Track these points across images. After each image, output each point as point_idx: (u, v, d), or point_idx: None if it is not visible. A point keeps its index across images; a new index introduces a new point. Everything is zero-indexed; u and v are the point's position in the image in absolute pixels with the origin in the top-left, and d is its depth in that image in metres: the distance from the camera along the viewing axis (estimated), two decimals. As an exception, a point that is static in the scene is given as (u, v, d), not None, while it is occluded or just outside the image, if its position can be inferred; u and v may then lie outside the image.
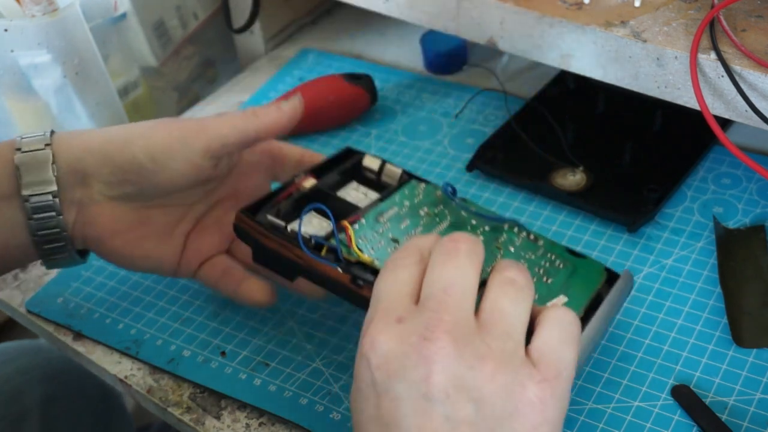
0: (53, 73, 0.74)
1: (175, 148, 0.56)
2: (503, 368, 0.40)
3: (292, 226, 0.54)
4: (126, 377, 0.61)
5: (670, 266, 0.63)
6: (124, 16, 0.80)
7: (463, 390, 0.39)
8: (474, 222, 0.57)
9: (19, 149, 0.55)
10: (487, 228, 0.57)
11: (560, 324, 0.43)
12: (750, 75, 0.56)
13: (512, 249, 0.55)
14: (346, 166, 0.62)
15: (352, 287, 0.51)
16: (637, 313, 0.60)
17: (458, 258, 0.43)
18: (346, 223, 0.54)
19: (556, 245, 0.57)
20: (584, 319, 0.51)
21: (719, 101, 0.58)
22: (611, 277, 0.55)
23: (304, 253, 0.52)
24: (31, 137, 0.56)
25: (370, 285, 0.49)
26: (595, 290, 0.54)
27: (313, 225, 0.55)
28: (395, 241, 0.54)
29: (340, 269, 0.51)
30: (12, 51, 0.72)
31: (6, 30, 0.71)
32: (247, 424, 0.57)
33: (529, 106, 0.75)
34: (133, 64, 0.83)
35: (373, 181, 0.62)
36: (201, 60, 0.90)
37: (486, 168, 0.71)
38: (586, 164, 0.70)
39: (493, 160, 0.72)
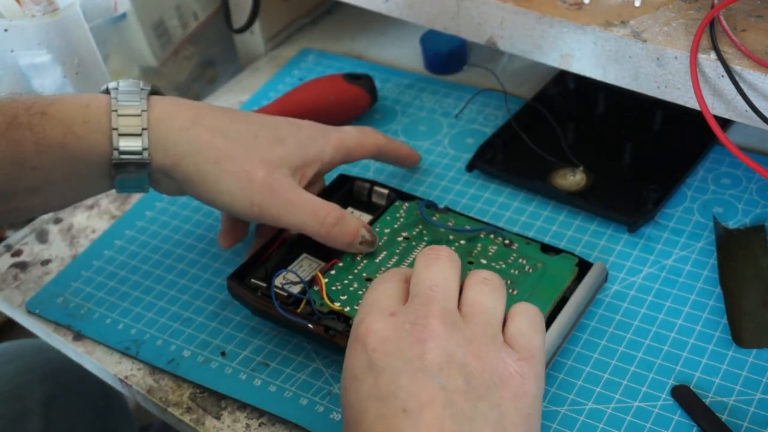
0: (53, 73, 0.74)
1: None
2: (487, 348, 0.45)
3: (278, 281, 0.60)
4: (126, 377, 0.61)
5: (670, 266, 0.63)
6: (124, 16, 0.80)
7: (455, 365, 0.43)
8: (451, 237, 0.63)
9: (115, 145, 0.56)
10: (462, 242, 0.62)
11: (528, 315, 0.48)
12: (750, 75, 0.56)
13: (484, 261, 0.61)
14: (342, 192, 0.68)
15: (326, 336, 0.57)
16: (637, 314, 0.60)
17: (440, 262, 0.48)
18: (318, 274, 0.59)
19: (531, 245, 0.62)
20: (552, 316, 0.57)
21: (719, 101, 0.58)
22: (585, 268, 0.60)
23: (284, 311, 0.58)
24: (127, 102, 0.57)
25: (342, 335, 0.56)
26: (563, 288, 0.59)
27: (303, 268, 0.62)
28: (368, 280, 0.60)
29: (311, 326, 0.57)
30: (12, 51, 0.72)
31: (6, 30, 0.71)
32: (247, 424, 0.57)
33: (529, 106, 0.75)
34: (133, 64, 0.83)
35: (366, 203, 0.68)
36: (201, 60, 0.90)
37: (486, 168, 0.71)
38: (586, 164, 0.70)
39: (493, 160, 0.72)
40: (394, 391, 0.43)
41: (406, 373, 0.43)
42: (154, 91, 0.60)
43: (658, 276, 0.62)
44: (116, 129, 0.56)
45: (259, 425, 0.57)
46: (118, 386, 0.63)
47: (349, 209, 0.67)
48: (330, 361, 0.59)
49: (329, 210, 0.58)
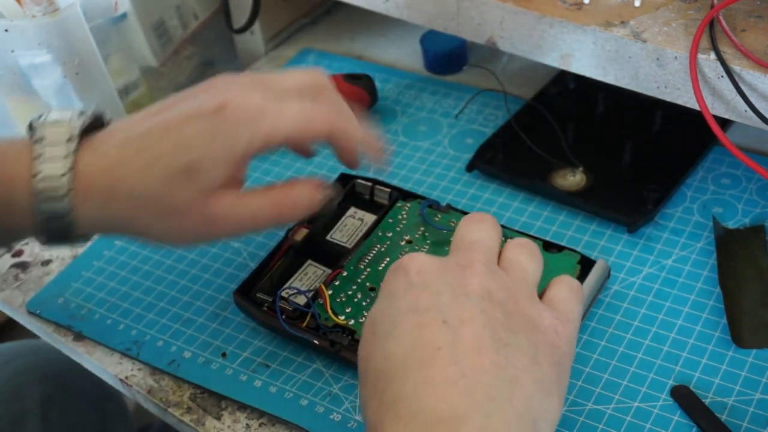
0: (53, 73, 0.75)
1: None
2: (524, 298, 0.46)
3: (284, 292, 0.60)
4: (126, 378, 0.61)
5: (669, 266, 0.63)
6: (124, 16, 0.80)
7: (495, 301, 0.44)
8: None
9: (36, 176, 0.51)
10: None
11: (568, 285, 0.49)
12: (749, 75, 0.56)
13: None
14: (344, 191, 0.67)
15: (332, 351, 0.58)
16: (636, 314, 0.60)
17: (484, 222, 0.49)
18: (322, 287, 0.60)
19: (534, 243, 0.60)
20: None
21: (719, 101, 0.58)
22: (587, 266, 0.60)
23: (290, 326, 0.58)
24: (49, 164, 0.51)
25: (348, 348, 0.57)
26: None
27: (308, 276, 0.62)
28: (372, 289, 0.60)
29: (316, 341, 0.58)
30: (12, 51, 0.72)
31: (6, 30, 0.71)
32: (247, 424, 0.57)
33: (529, 106, 0.75)
34: (134, 65, 0.83)
35: (368, 203, 0.67)
36: (201, 60, 0.90)
37: (486, 168, 0.71)
38: (586, 164, 0.70)
39: (493, 160, 0.72)
40: (435, 305, 0.43)
41: (447, 293, 0.44)
42: (87, 126, 0.53)
43: (658, 276, 0.62)
44: (39, 214, 0.51)
45: (260, 426, 0.57)
46: (119, 387, 0.63)
47: (351, 209, 0.67)
48: (330, 362, 0.59)
49: (279, 208, 0.54)
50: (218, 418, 0.58)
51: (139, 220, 0.52)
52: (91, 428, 0.81)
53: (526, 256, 0.48)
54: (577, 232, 0.66)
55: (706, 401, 0.54)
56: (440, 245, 0.63)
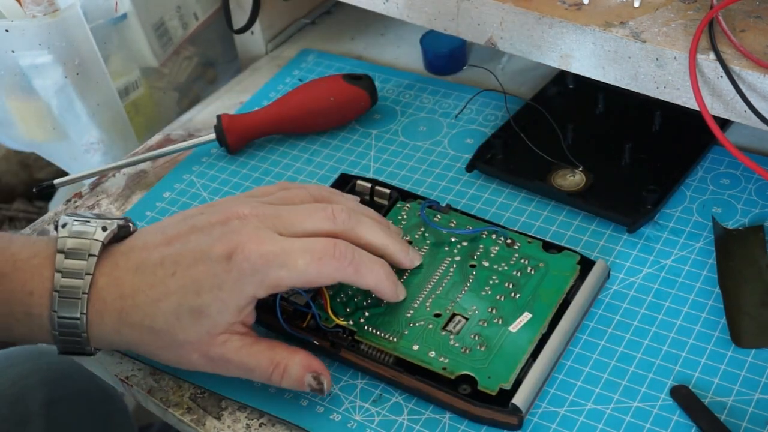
0: (54, 73, 0.75)
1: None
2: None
3: (285, 292, 0.59)
4: (127, 378, 0.61)
5: (669, 266, 0.63)
6: (124, 16, 0.80)
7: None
8: (453, 239, 0.63)
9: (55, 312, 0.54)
10: (465, 243, 0.63)
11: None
12: (749, 75, 0.56)
13: (486, 263, 0.61)
14: (344, 192, 0.67)
15: (332, 351, 0.58)
16: (636, 314, 0.60)
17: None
18: (323, 288, 0.59)
19: (533, 243, 0.62)
20: (557, 317, 0.58)
21: (718, 101, 0.58)
22: (587, 266, 0.60)
23: (290, 326, 0.59)
24: (68, 298, 0.54)
25: (348, 349, 0.58)
26: (565, 290, 0.59)
27: None
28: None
29: (316, 341, 0.58)
30: (13, 51, 0.72)
31: (7, 30, 0.71)
32: (247, 424, 0.58)
33: (529, 106, 0.75)
34: (134, 65, 0.83)
35: (369, 203, 0.67)
36: (201, 60, 0.90)
37: (486, 168, 0.71)
38: (586, 164, 0.70)
39: (493, 160, 0.72)
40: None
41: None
42: (113, 237, 0.56)
43: (658, 276, 0.62)
44: (56, 330, 0.55)
45: (260, 426, 0.57)
46: (119, 387, 0.63)
47: None
48: (330, 362, 0.60)
49: (272, 368, 0.55)
50: (218, 418, 0.58)
51: (147, 347, 0.56)
52: (93, 429, 0.81)
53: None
54: (577, 232, 0.66)
55: (706, 401, 0.54)
56: (440, 246, 0.63)
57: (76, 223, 0.56)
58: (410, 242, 0.63)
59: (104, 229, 0.56)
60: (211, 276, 0.53)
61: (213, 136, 0.76)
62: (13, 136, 0.81)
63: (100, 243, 0.55)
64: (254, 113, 0.77)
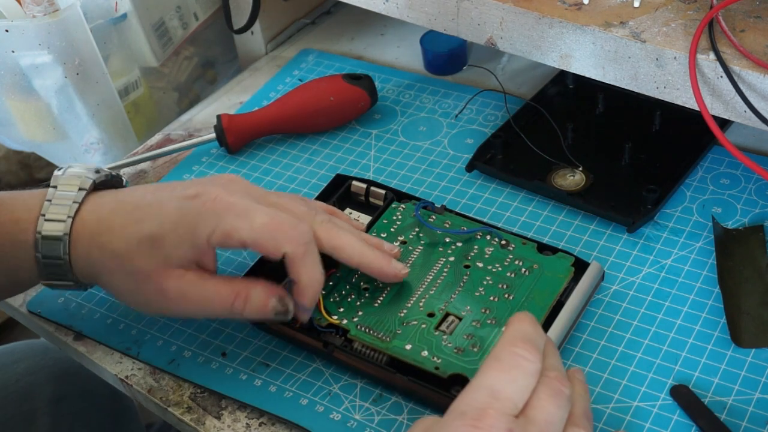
0: (54, 73, 0.75)
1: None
2: None
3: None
4: (127, 377, 0.61)
5: (669, 266, 0.63)
6: (124, 16, 0.80)
7: None
8: (447, 240, 0.63)
9: (39, 233, 0.56)
10: (459, 244, 0.63)
11: None
12: (749, 75, 0.56)
13: (480, 264, 0.61)
14: (340, 193, 0.68)
15: (325, 351, 0.58)
16: (636, 314, 0.60)
17: (561, 399, 0.46)
18: None
19: (528, 245, 0.62)
20: (550, 318, 0.57)
21: (718, 101, 0.58)
22: (582, 268, 0.60)
23: (283, 326, 0.59)
24: (53, 220, 0.56)
25: (340, 349, 0.57)
26: (559, 291, 0.59)
27: None
28: (365, 289, 0.60)
29: (309, 341, 0.59)
30: (13, 51, 0.72)
31: (7, 30, 0.71)
32: (247, 424, 0.58)
33: (529, 106, 0.75)
34: (134, 65, 0.83)
35: (364, 204, 0.68)
36: (201, 60, 0.90)
37: (486, 168, 0.71)
38: (586, 164, 0.70)
39: (493, 160, 0.72)
40: None
41: None
42: (100, 182, 0.59)
43: (658, 276, 0.62)
44: (40, 253, 0.56)
45: (260, 425, 0.57)
46: (119, 386, 0.63)
47: (347, 210, 0.68)
48: (330, 362, 0.60)
49: (233, 296, 0.55)
50: (218, 417, 0.58)
51: (108, 274, 0.57)
52: (100, 427, 0.81)
53: (556, 407, 0.46)
54: (577, 231, 0.66)
55: (706, 400, 0.55)
56: (434, 246, 0.63)
57: (72, 168, 0.58)
58: (404, 242, 0.63)
59: (97, 171, 0.59)
60: (175, 209, 0.55)
61: (213, 135, 0.76)
62: (13, 136, 0.81)
63: (92, 180, 0.58)
64: (254, 113, 0.77)
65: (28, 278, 0.59)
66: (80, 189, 0.57)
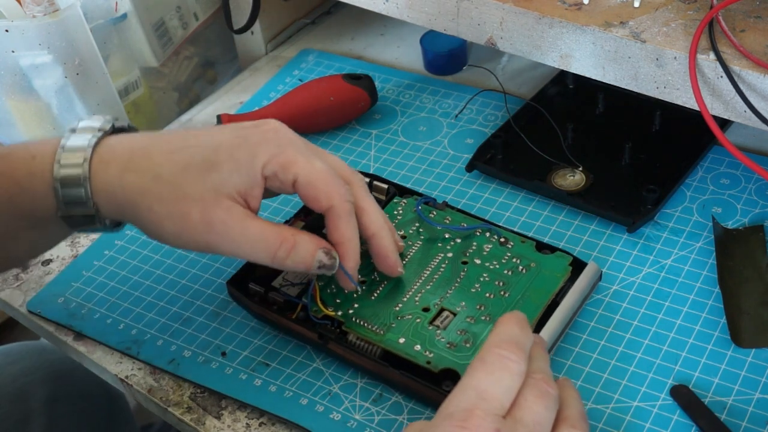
0: (54, 73, 0.75)
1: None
2: None
3: (276, 282, 0.61)
4: (127, 377, 0.61)
5: (669, 266, 0.63)
6: (124, 16, 0.80)
7: None
8: (447, 236, 0.63)
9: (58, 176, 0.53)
10: (458, 240, 0.63)
11: None
12: (749, 75, 0.56)
13: (478, 261, 0.61)
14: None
15: (320, 342, 0.59)
16: (636, 314, 0.60)
17: (548, 400, 0.46)
18: (314, 279, 0.60)
19: (527, 243, 0.62)
20: (545, 317, 0.57)
21: (718, 101, 0.58)
22: (579, 268, 0.60)
23: (280, 316, 0.59)
24: (71, 150, 0.53)
25: (335, 341, 0.58)
26: (555, 291, 0.59)
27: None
28: (362, 282, 0.60)
29: (305, 332, 0.59)
30: (13, 51, 0.72)
31: (7, 30, 0.71)
32: (247, 424, 0.58)
33: (529, 106, 0.75)
34: (134, 65, 0.83)
35: None
36: (201, 60, 0.90)
37: (486, 168, 0.71)
38: (586, 164, 0.70)
39: (493, 160, 0.72)
40: None
41: None
42: (119, 128, 0.56)
43: (658, 276, 0.62)
44: (58, 180, 0.53)
45: (260, 425, 0.57)
46: (119, 386, 0.63)
47: None
48: (330, 361, 0.60)
49: (279, 241, 0.53)
50: (218, 417, 0.58)
51: (146, 199, 0.53)
52: (94, 428, 0.81)
53: (543, 408, 0.46)
54: (577, 231, 0.66)
55: (706, 401, 0.54)
56: (433, 241, 0.63)
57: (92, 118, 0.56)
58: (404, 237, 0.63)
59: (116, 119, 0.56)
60: (234, 136, 0.54)
61: (213, 136, 0.76)
62: (13, 136, 0.81)
63: (111, 123, 0.55)
64: (254, 113, 0.77)
65: (45, 217, 0.55)
66: (100, 129, 0.55)
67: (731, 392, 0.55)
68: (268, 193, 0.56)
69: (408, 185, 0.72)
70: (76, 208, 0.53)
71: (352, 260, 0.55)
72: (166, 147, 0.54)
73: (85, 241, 0.72)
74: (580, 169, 0.70)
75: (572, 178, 0.69)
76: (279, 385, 0.59)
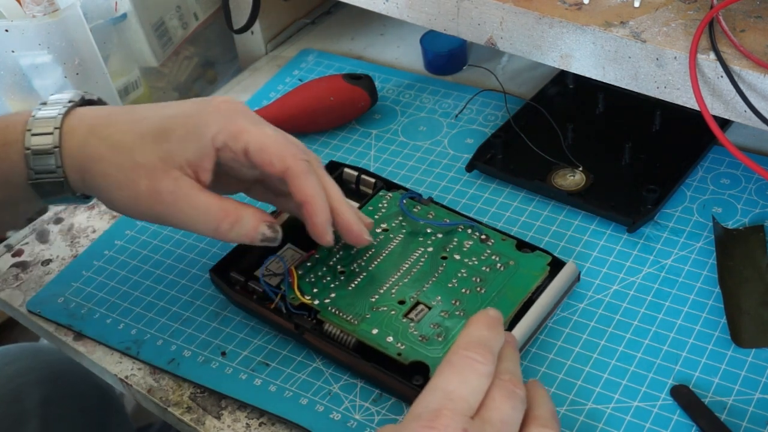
0: (54, 73, 0.75)
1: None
2: None
3: (258, 272, 0.61)
4: (126, 377, 0.61)
5: (669, 266, 0.63)
6: (124, 16, 0.80)
7: None
8: (429, 230, 0.64)
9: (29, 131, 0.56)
10: (440, 235, 0.63)
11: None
12: (749, 75, 0.56)
13: (457, 256, 0.62)
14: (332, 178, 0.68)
15: (296, 333, 0.59)
16: (636, 314, 0.60)
17: (515, 400, 0.47)
18: (292, 267, 0.61)
19: (507, 241, 0.63)
20: (520, 314, 0.58)
21: (718, 101, 0.58)
22: (557, 267, 0.61)
23: (259, 306, 0.60)
24: (43, 119, 0.56)
25: (310, 332, 0.58)
26: (530, 290, 0.59)
27: (286, 259, 0.62)
28: (341, 273, 0.61)
29: (282, 321, 0.59)
30: (13, 51, 0.72)
31: (7, 30, 0.71)
32: (247, 424, 0.58)
33: (529, 106, 0.75)
34: (134, 65, 0.83)
35: (354, 191, 0.68)
36: (201, 60, 0.90)
37: (486, 168, 0.71)
38: (586, 164, 0.70)
39: (493, 160, 0.72)
40: None
41: None
42: (88, 101, 0.59)
43: (658, 276, 0.62)
44: (29, 149, 0.55)
45: (260, 425, 0.57)
46: (119, 386, 0.63)
47: None
48: (330, 361, 0.60)
49: (223, 215, 0.54)
50: (218, 417, 0.58)
51: (103, 166, 0.55)
52: (89, 429, 0.81)
53: (510, 408, 0.46)
54: (577, 231, 0.66)
55: (706, 401, 0.54)
56: (415, 235, 0.63)
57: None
58: (387, 230, 0.64)
59: (86, 92, 0.60)
60: (187, 105, 0.56)
61: (213, 135, 0.76)
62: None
63: (81, 96, 0.58)
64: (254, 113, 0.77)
65: (18, 183, 0.56)
66: (69, 101, 0.57)
67: (731, 392, 0.55)
68: (226, 172, 0.57)
69: (408, 185, 0.72)
70: (46, 175, 0.55)
71: (320, 214, 0.55)
72: (128, 116, 0.56)
73: (85, 241, 0.72)
74: (580, 169, 0.70)
75: (572, 178, 0.69)
76: (279, 385, 0.59)
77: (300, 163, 0.55)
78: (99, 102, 0.60)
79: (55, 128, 0.55)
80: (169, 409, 0.59)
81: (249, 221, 0.55)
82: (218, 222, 0.54)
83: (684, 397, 0.55)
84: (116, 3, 0.79)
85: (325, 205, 0.56)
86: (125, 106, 0.59)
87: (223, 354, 0.61)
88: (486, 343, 0.47)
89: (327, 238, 0.56)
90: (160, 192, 0.54)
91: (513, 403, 0.46)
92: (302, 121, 0.77)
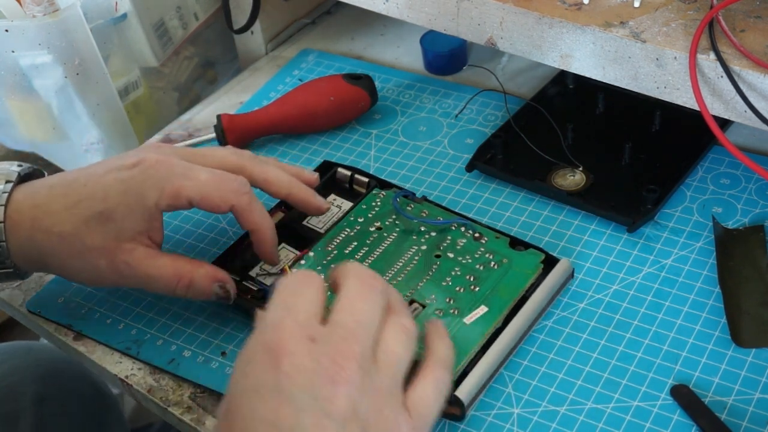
0: (54, 73, 0.75)
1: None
2: (389, 405, 0.44)
3: (253, 271, 0.63)
4: (126, 377, 0.61)
5: (669, 266, 0.63)
6: (124, 16, 0.80)
7: (357, 416, 0.42)
8: (422, 229, 0.64)
9: None
10: (433, 233, 0.64)
11: (436, 383, 0.47)
12: (749, 75, 0.56)
13: (451, 255, 0.62)
14: (325, 179, 0.69)
15: None
16: (636, 313, 0.60)
17: (373, 293, 0.46)
18: (286, 266, 0.62)
19: (501, 239, 0.63)
20: (513, 313, 0.58)
21: (718, 101, 0.58)
22: (551, 264, 0.61)
23: (253, 305, 0.60)
24: None
25: None
26: (524, 287, 0.60)
27: (280, 259, 0.63)
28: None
29: None
30: (13, 51, 0.72)
31: (7, 30, 0.71)
32: (247, 423, 0.57)
33: (529, 106, 0.75)
34: (134, 65, 0.83)
35: (348, 191, 0.69)
36: (201, 60, 0.90)
37: (486, 168, 0.71)
38: (586, 164, 0.70)
39: (493, 160, 0.72)
40: (294, 427, 0.41)
41: (311, 412, 0.41)
42: (26, 175, 0.61)
43: (658, 276, 0.62)
44: None
45: (260, 425, 0.57)
46: (119, 386, 0.63)
47: (332, 196, 0.69)
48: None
49: (177, 279, 0.58)
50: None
51: (57, 256, 0.58)
52: (83, 428, 0.81)
53: (402, 345, 0.46)
54: (577, 231, 0.66)
55: (706, 400, 0.54)
56: (408, 234, 0.64)
57: None
58: (380, 228, 0.64)
59: (20, 165, 0.61)
60: (118, 182, 0.57)
61: (213, 135, 0.76)
62: (13, 136, 0.81)
63: (17, 172, 0.60)
64: (254, 113, 0.77)
65: None
66: (7, 182, 0.59)
67: (731, 392, 0.55)
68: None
69: (408, 185, 0.72)
70: None
71: (267, 244, 0.60)
72: (63, 202, 0.58)
73: (85, 241, 0.72)
74: (580, 169, 0.70)
75: (572, 178, 0.69)
76: (279, 385, 0.59)
77: (242, 198, 0.58)
78: (35, 173, 0.62)
79: (0, 222, 0.57)
80: (170, 409, 0.59)
81: (202, 283, 0.59)
82: (173, 286, 0.58)
83: (684, 396, 0.55)
84: (116, 3, 0.79)
85: (273, 231, 0.60)
86: (53, 185, 0.59)
87: (223, 354, 0.61)
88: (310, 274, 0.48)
89: (275, 260, 0.62)
90: (118, 267, 0.58)
91: (406, 339, 0.46)
92: (302, 121, 0.77)
